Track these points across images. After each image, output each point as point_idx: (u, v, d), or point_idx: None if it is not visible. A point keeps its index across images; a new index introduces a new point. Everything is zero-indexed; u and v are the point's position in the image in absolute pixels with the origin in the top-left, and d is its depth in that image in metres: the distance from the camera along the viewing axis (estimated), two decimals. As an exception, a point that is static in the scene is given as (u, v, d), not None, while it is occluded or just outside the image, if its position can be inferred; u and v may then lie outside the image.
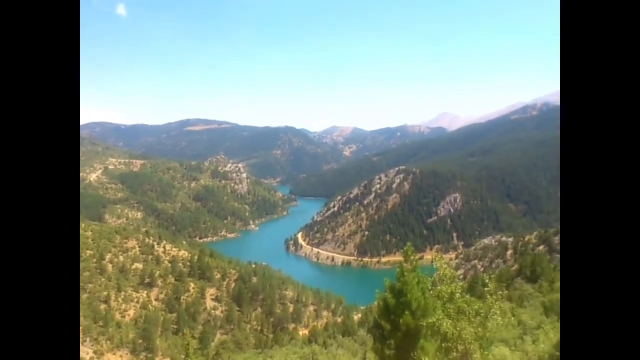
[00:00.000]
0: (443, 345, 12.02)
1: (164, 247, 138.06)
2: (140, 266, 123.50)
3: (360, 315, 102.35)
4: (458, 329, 11.30)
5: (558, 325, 22.58)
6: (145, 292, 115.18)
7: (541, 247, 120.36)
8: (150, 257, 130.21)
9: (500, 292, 12.05)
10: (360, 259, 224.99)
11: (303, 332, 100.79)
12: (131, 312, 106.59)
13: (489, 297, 11.82)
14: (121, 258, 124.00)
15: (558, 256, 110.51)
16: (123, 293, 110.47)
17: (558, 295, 47.64)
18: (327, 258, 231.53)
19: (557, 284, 58.89)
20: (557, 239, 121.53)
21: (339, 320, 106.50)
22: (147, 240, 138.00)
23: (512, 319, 36.64)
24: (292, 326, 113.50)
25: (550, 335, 23.81)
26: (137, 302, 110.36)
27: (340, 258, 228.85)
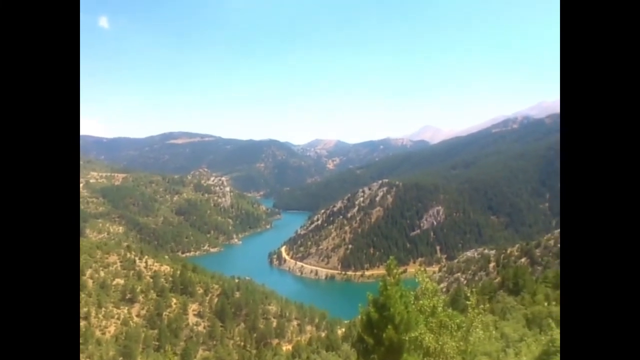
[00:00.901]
0: (425, 359, 12.05)
1: (146, 262, 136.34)
2: (121, 281, 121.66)
3: (343, 330, 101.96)
4: (440, 342, 11.35)
5: (540, 337, 22.77)
6: (126, 308, 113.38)
7: (523, 260, 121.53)
8: (132, 272, 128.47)
9: (482, 306, 12.14)
10: (343, 272, 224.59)
11: (286, 347, 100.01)
12: (111, 329, 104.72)
13: (470, 310, 11.90)
14: (102, 273, 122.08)
15: (539, 268, 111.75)
16: (103, 309, 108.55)
17: (540, 308, 48.08)
18: (311, 272, 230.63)
19: (539, 296, 59.45)
20: (538, 251, 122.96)
21: (323, 334, 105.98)
22: (128, 255, 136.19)
23: (495, 331, 36.88)
24: (275, 341, 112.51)
25: (532, 347, 23.97)
26: (118, 318, 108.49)
27: (323, 272, 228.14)
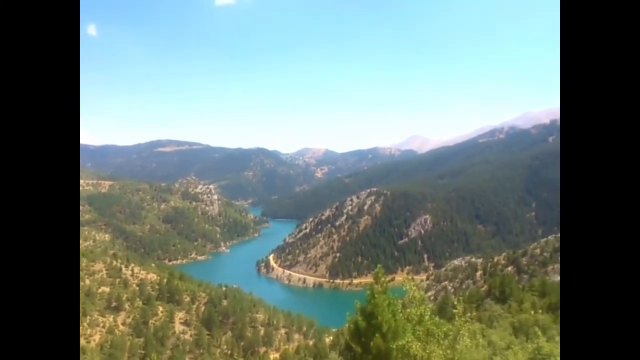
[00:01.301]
0: (413, 367, 12.14)
1: (132, 270, 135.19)
2: (107, 289, 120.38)
3: (331, 338, 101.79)
4: (427, 351, 11.44)
5: (527, 345, 22.94)
6: (112, 316, 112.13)
7: (509, 268, 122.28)
8: (118, 280, 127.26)
9: (469, 314, 12.27)
10: (331, 280, 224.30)
11: (274, 356, 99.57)
12: (97, 337, 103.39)
13: (457, 318, 12.01)
14: (87, 281, 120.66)
15: (526, 276, 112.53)
16: (88, 317, 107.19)
17: (526, 316, 48.47)
18: (299, 280, 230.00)
19: (526, 304, 59.90)
20: (524, 260, 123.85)
21: (311, 343, 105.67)
22: (114, 262, 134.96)
23: (481, 339, 37.06)
24: (262, 349, 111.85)
25: (519, 355, 24.10)
26: (103, 327, 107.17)
27: (311, 280, 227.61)
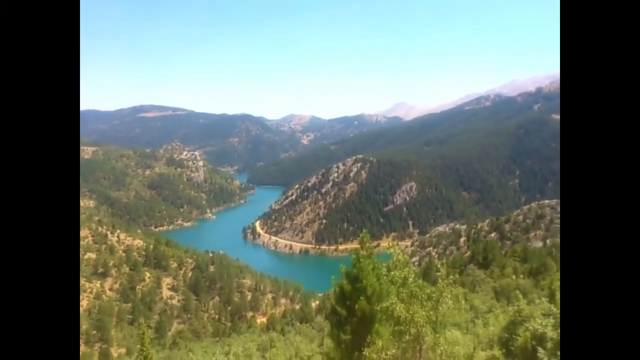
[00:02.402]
0: (396, 328, 12.42)
1: (118, 236, 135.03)
2: (93, 255, 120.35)
3: (317, 302, 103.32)
4: (410, 312, 11.69)
5: (507, 309, 23.58)
6: (99, 282, 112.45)
7: (493, 234, 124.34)
8: (104, 246, 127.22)
9: (452, 277, 12.50)
10: (317, 246, 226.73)
11: (261, 320, 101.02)
12: (84, 303, 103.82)
13: (440, 281, 12.26)
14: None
15: (509, 243, 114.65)
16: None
17: (508, 280, 49.59)
18: (285, 246, 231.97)
19: (508, 270, 61.17)
20: (507, 227, 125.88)
21: (297, 307, 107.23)
22: (99, 229, 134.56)
23: (464, 303, 37.98)
24: (249, 314, 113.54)
25: (500, 318, 24.80)
26: (91, 292, 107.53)
27: (298, 246, 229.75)
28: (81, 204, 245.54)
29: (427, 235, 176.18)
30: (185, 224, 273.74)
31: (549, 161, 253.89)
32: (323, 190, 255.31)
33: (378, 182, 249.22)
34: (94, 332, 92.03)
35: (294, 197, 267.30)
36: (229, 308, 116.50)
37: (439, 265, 12.89)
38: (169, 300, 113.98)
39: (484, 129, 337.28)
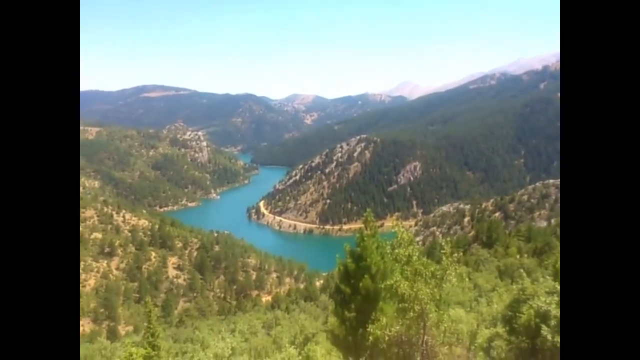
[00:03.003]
0: (400, 306, 12.47)
1: (123, 216, 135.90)
2: (99, 235, 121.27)
3: (322, 281, 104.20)
4: (414, 289, 11.72)
5: (511, 287, 23.64)
6: (105, 262, 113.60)
7: (497, 214, 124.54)
8: (109, 226, 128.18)
9: (455, 254, 12.51)
10: (321, 226, 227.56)
11: (266, 299, 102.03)
12: (91, 282, 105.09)
13: (444, 259, 12.28)
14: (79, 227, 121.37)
15: (513, 222, 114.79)
16: (82, 262, 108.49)
17: (512, 260, 49.73)
18: (289, 226, 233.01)
19: (512, 249, 61.38)
20: (512, 206, 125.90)
21: (301, 286, 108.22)
22: (105, 209, 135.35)
23: (468, 282, 38.19)
24: (254, 293, 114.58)
25: (504, 296, 24.87)
26: (97, 272, 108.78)
27: (302, 226, 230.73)
28: (86, 184, 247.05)
29: (431, 215, 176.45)
30: (189, 204, 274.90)
31: (554, 140, 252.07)
32: (327, 170, 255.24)
33: (382, 161, 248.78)
34: (102, 310, 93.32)
35: (297, 177, 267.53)
36: (234, 287, 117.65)
37: (442, 243, 12.90)
38: (175, 280, 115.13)
39: (489, 107, 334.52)
